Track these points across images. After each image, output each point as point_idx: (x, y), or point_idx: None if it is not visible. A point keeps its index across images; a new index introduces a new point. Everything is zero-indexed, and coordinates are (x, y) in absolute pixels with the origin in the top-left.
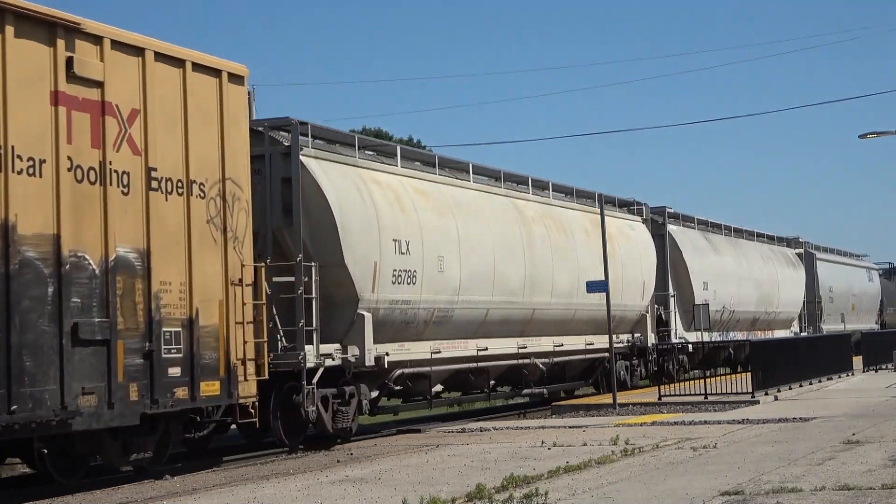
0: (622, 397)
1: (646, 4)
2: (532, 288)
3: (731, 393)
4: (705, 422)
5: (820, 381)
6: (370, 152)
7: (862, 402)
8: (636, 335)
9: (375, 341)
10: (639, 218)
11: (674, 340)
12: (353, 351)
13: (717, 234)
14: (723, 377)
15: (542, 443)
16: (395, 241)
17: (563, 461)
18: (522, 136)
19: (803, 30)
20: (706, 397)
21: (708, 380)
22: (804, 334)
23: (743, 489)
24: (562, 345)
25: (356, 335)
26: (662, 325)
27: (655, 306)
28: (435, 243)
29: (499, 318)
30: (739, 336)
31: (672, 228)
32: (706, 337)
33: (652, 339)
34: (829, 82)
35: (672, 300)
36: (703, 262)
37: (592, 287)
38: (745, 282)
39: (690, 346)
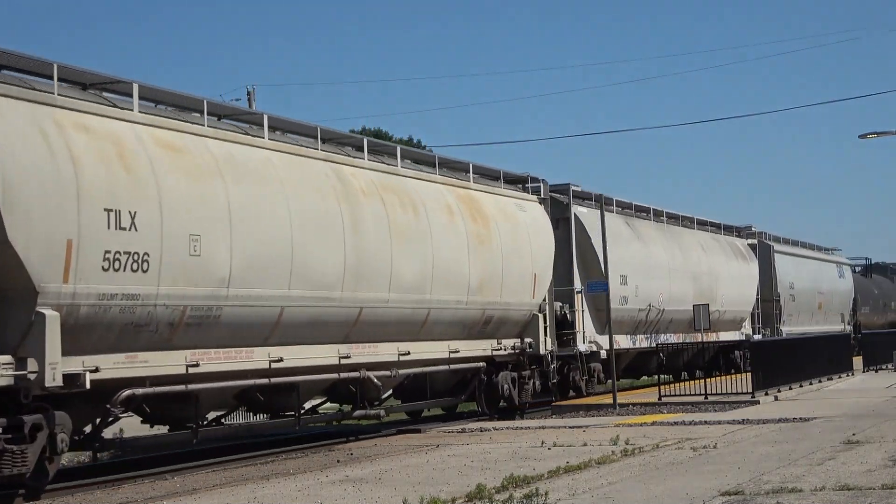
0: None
1: (646, 4)
2: (357, 280)
3: (732, 393)
4: (705, 422)
5: (820, 382)
6: (96, 91)
7: (862, 402)
8: (527, 340)
9: (73, 351)
10: (534, 197)
11: (580, 346)
12: (33, 365)
13: (644, 220)
14: (723, 377)
15: (542, 443)
16: (108, 211)
17: (563, 461)
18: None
19: (804, 30)
20: (706, 397)
21: (708, 380)
22: (758, 337)
23: (743, 489)
24: (408, 353)
25: (34, 343)
26: (568, 326)
27: (560, 304)
28: (184, 216)
29: (305, 319)
30: (674, 339)
31: (580, 211)
32: (627, 341)
33: (548, 344)
34: (829, 82)
35: (580, 297)
36: (622, 252)
37: (593, 287)
38: (678, 276)
39: (604, 352)
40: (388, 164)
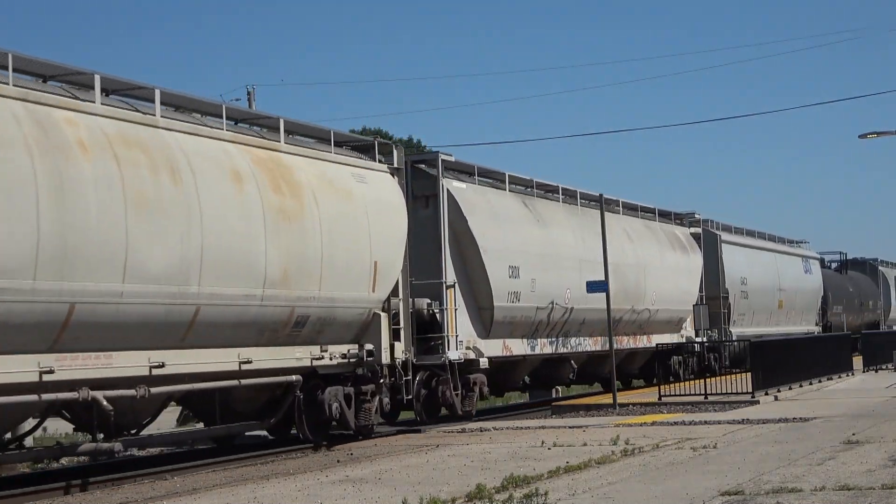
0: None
1: (646, 4)
2: (64, 265)
3: (732, 393)
4: (705, 422)
5: (820, 381)
6: None
7: (862, 402)
8: (367, 346)
9: None
10: (383, 166)
11: (451, 354)
12: None
13: (550, 201)
14: (723, 377)
15: (542, 443)
16: None
17: (563, 461)
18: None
19: (804, 30)
20: (706, 397)
21: (708, 380)
22: (700, 340)
23: (743, 489)
24: (163, 364)
25: None
26: (438, 329)
27: (429, 302)
28: None
29: None
30: (590, 344)
31: (455, 186)
32: (523, 346)
33: (397, 351)
34: (829, 82)
35: (453, 293)
36: (513, 238)
37: (593, 287)
38: (594, 268)
39: (484, 360)
40: (143, 113)
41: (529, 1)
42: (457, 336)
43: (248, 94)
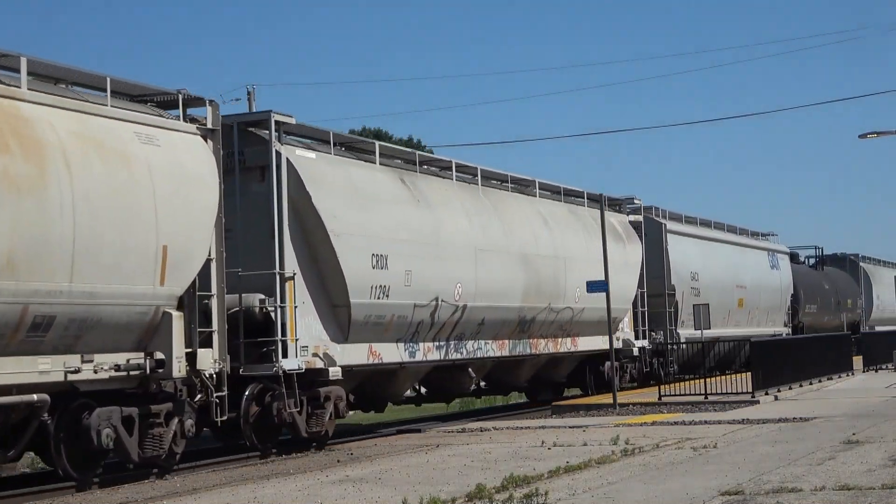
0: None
1: (645, 4)
2: None
3: (732, 393)
4: (705, 422)
5: (820, 381)
6: None
7: (862, 402)
8: (158, 356)
9: None
10: (190, 126)
11: (286, 363)
12: None
13: (440, 178)
14: (723, 377)
15: (543, 443)
16: None
17: (563, 461)
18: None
19: (803, 30)
20: (706, 397)
21: (708, 379)
22: (642, 344)
23: (743, 489)
24: None
25: None
26: (275, 331)
27: (263, 298)
28: None
29: None
30: (494, 349)
31: (297, 155)
32: (399, 352)
33: (206, 362)
34: (829, 82)
35: (292, 285)
36: (379, 221)
37: (593, 287)
38: (496, 258)
39: (335, 370)
40: None
41: (529, 1)
42: (298, 340)
43: (249, 94)
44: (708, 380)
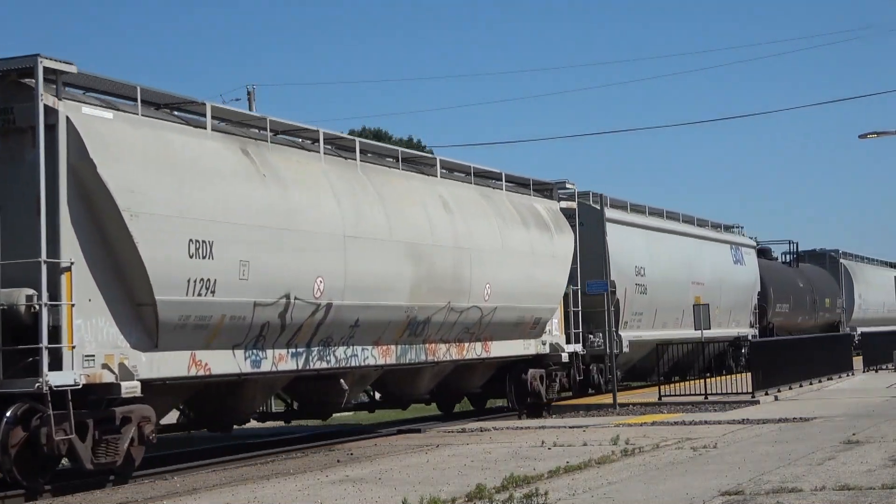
0: None
1: (645, 4)
2: None
3: (732, 393)
4: (705, 422)
5: (820, 381)
6: None
7: (862, 402)
8: None
9: None
10: None
11: (55, 377)
12: None
13: (302, 151)
14: (723, 377)
15: (542, 443)
16: None
17: (563, 461)
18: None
19: (803, 30)
20: (706, 397)
21: (708, 380)
22: (574, 348)
23: (743, 489)
24: None
25: None
26: (24, 339)
27: (30, 295)
28: None
29: None
30: (376, 355)
31: (83, 113)
32: (237, 361)
33: None
34: (829, 82)
35: (69, 279)
36: (201, 199)
37: (593, 287)
38: (374, 248)
39: (134, 384)
40: None
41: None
42: (76, 348)
43: (249, 94)
44: (708, 380)
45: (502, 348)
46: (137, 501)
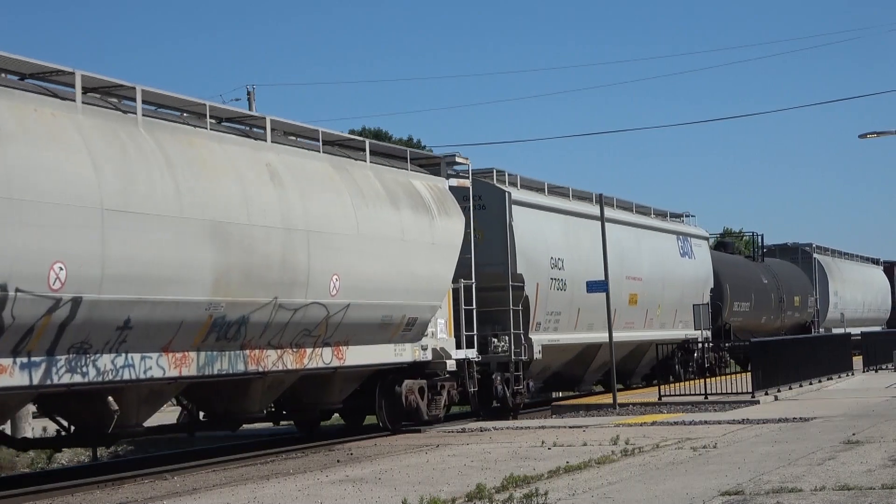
0: None
1: (645, 4)
2: None
3: (732, 393)
4: (705, 422)
5: (820, 381)
6: None
7: (862, 402)
8: None
9: None
10: None
11: None
12: None
13: (55, 100)
14: (723, 377)
15: (542, 443)
16: None
17: (563, 461)
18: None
19: (803, 30)
20: (706, 397)
21: (708, 380)
22: (466, 354)
23: (743, 489)
24: None
25: None
26: None
27: None
28: None
29: None
30: (164, 366)
31: None
32: None
33: None
34: (829, 82)
35: None
36: None
37: (592, 287)
38: (145, 226)
39: None
40: None
41: (529, 1)
42: None
43: (248, 94)
44: (708, 380)
45: (363, 355)
46: (137, 501)
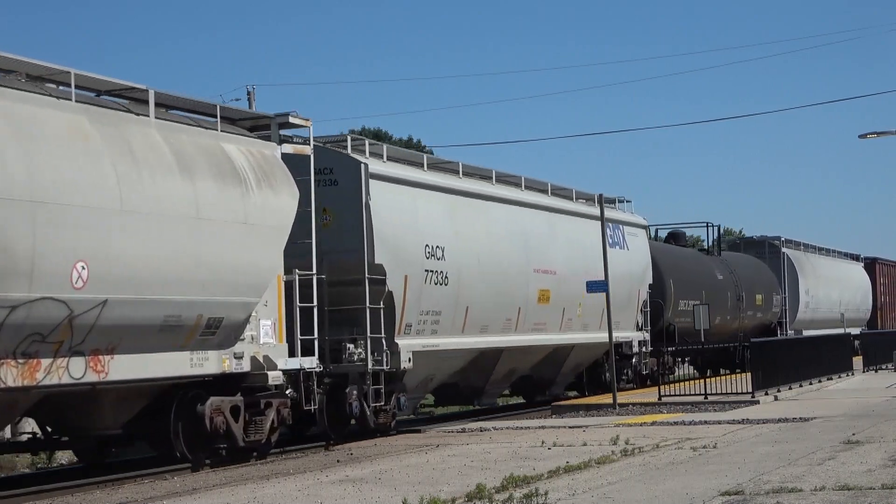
0: None
1: (645, 4)
2: None
3: (732, 393)
4: (705, 422)
5: (820, 381)
6: None
7: (862, 402)
8: None
9: None
10: None
11: None
12: None
13: None
14: (723, 377)
15: (542, 443)
16: None
17: (563, 461)
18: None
19: (803, 30)
20: (706, 397)
21: (708, 380)
22: (301, 363)
23: (743, 489)
24: None
25: None
26: None
27: None
28: None
29: None
30: None
31: None
32: None
33: None
34: (830, 82)
35: None
36: None
37: (592, 287)
38: None
39: None
40: None
41: (529, 1)
42: None
43: (248, 94)
44: (708, 380)
45: (141, 367)
46: (137, 501)
